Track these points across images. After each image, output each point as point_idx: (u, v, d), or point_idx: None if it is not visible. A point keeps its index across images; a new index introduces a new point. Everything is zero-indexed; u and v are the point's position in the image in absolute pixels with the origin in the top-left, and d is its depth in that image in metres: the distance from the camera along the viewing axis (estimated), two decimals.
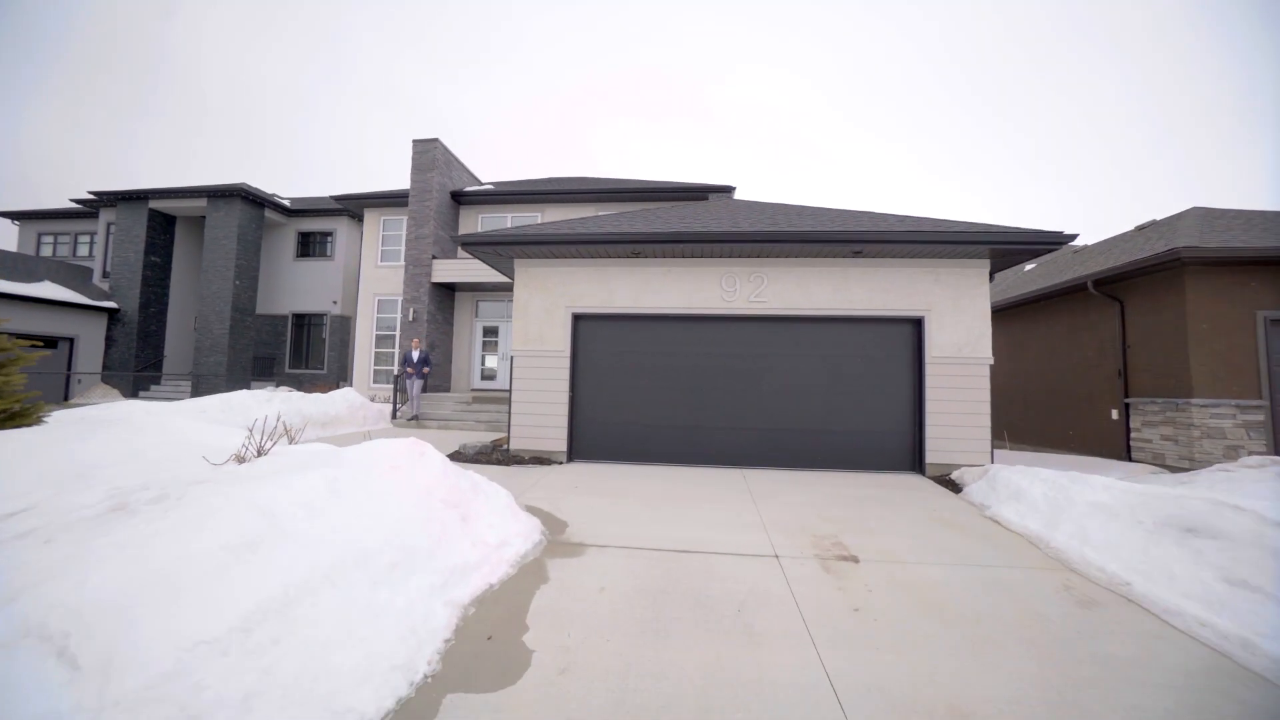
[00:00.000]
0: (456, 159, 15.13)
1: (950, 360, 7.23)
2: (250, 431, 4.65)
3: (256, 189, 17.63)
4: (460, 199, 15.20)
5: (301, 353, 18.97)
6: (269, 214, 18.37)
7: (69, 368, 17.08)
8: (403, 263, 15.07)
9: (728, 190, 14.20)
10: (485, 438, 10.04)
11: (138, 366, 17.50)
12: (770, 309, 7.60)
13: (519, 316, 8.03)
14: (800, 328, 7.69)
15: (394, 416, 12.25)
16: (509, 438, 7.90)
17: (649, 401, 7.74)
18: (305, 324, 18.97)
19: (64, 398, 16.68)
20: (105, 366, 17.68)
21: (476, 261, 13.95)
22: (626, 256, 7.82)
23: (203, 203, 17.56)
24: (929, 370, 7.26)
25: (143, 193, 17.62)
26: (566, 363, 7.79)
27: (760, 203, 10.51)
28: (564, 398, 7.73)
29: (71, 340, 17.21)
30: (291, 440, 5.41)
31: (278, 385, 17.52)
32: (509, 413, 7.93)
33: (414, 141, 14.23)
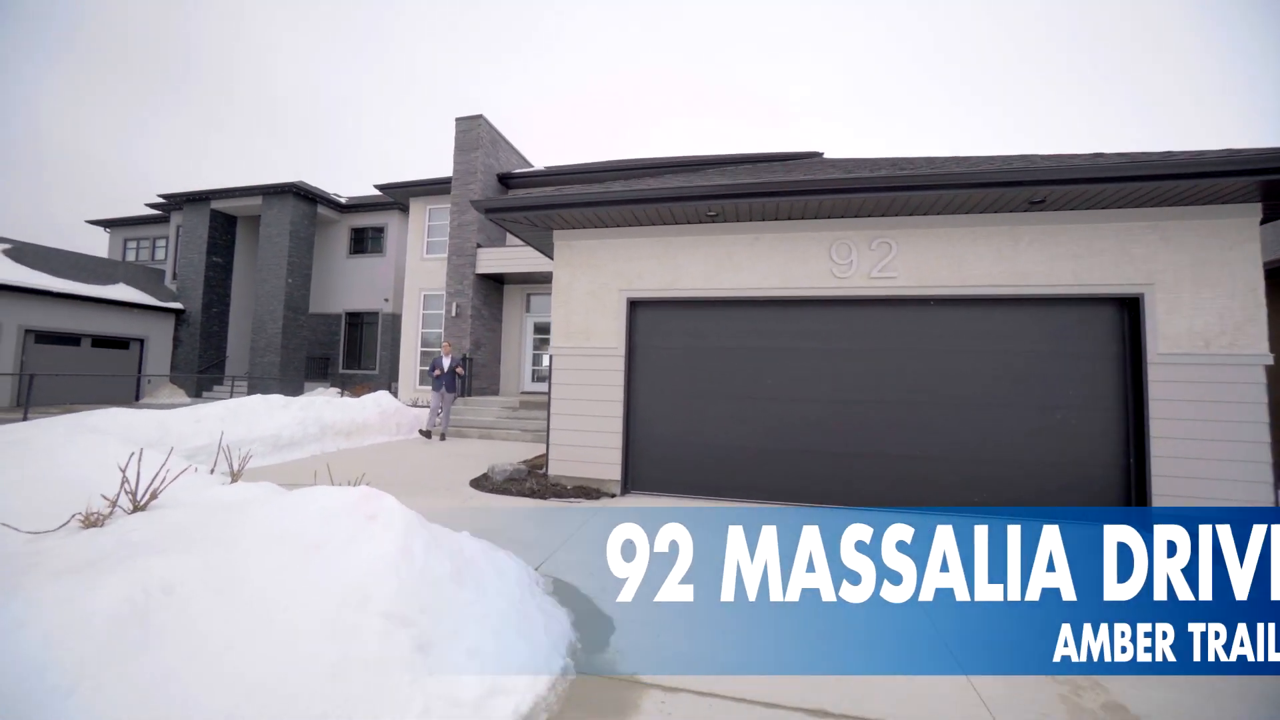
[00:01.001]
0: (503, 138, 13.75)
1: (1193, 358, 4.78)
2: (162, 468, 3.12)
3: (308, 185, 17.13)
4: (508, 182, 13.81)
5: (355, 353, 18.40)
6: (322, 210, 17.88)
7: (140, 368, 17.27)
8: (445, 252, 13.87)
9: (814, 156, 11.91)
10: (528, 451, 8.44)
11: (200, 367, 17.47)
12: (901, 287, 5.43)
13: (559, 304, 6.30)
14: (946, 313, 5.46)
15: (447, 419, 10.96)
16: (547, 459, 6.19)
17: (731, 415, 5.77)
18: (359, 323, 18.38)
19: (135, 397, 16.86)
20: (173, 366, 17.80)
21: (527, 249, 12.48)
22: (699, 221, 5.89)
23: (259, 201, 17.26)
24: (1154, 373, 4.85)
25: (205, 194, 17.56)
26: (620, 363, 5.97)
27: (869, 158, 8.24)
28: (617, 409, 5.92)
29: (142, 341, 17.39)
30: (235, 474, 3.91)
31: (330, 386, 16.96)
32: (547, 427, 6.22)
33: (457, 120, 12.96)
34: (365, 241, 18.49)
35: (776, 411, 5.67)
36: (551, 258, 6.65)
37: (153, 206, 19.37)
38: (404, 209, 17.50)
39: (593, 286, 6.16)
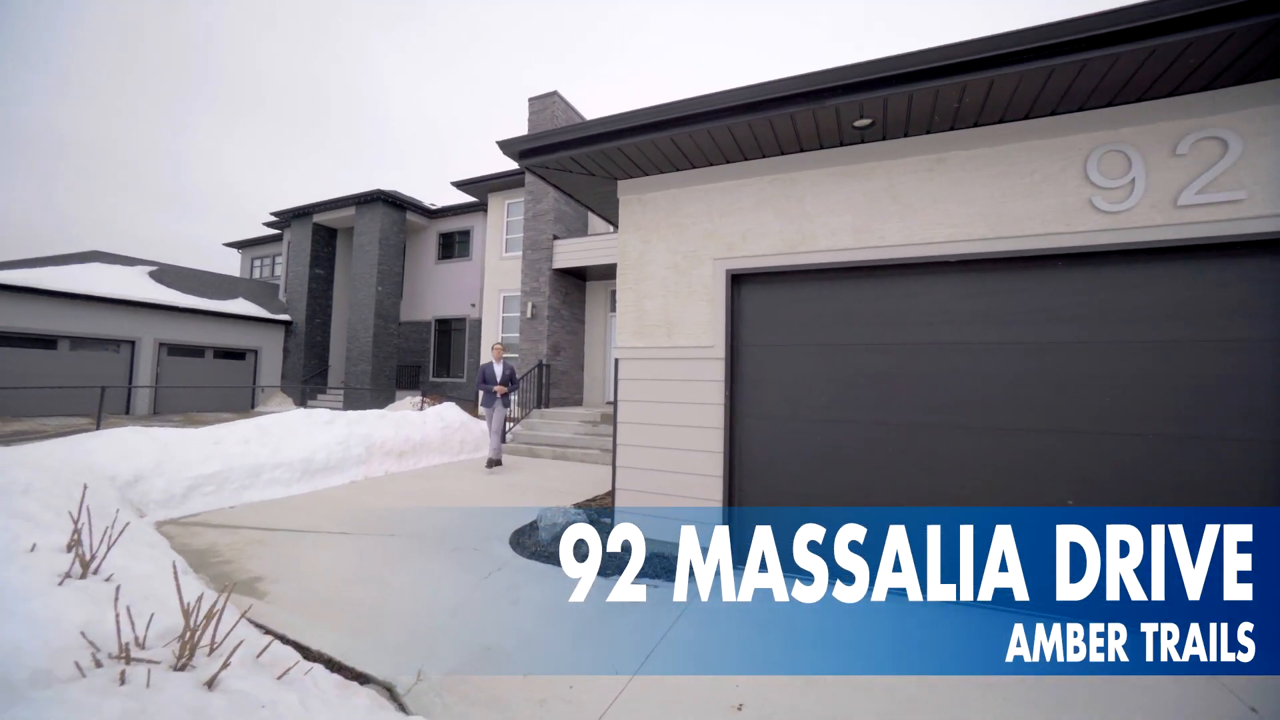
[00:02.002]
0: (578, 114, 12.24)
1: None
2: None
3: (396, 192, 16.93)
4: None
5: (445, 360, 17.98)
6: (411, 217, 17.66)
7: (254, 377, 18.09)
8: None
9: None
10: (603, 479, 6.65)
11: (304, 376, 17.91)
12: (1251, 218, 2.87)
13: (627, 285, 4.41)
14: None
15: (503, 439, 9.59)
16: (612, 509, 4.31)
17: (905, 454, 3.50)
18: (448, 330, 17.93)
19: (251, 405, 17.64)
20: (283, 376, 18.49)
21: (609, 239, 10.84)
22: (840, 143, 3.72)
23: (352, 211, 17.37)
24: None
25: (307, 208, 18.04)
26: (718, 368, 3.95)
27: None
28: (713, 440, 3.90)
29: (256, 352, 18.22)
30: (110, 542, 2.45)
31: (417, 395, 16.57)
32: (613, 462, 4.34)
33: (530, 100, 11.64)
34: (453, 246, 18.04)
35: (997, 447, 3.32)
36: (610, 219, 4.79)
37: (269, 225, 20.47)
38: (486, 209, 16.78)
39: (674, 257, 4.20)
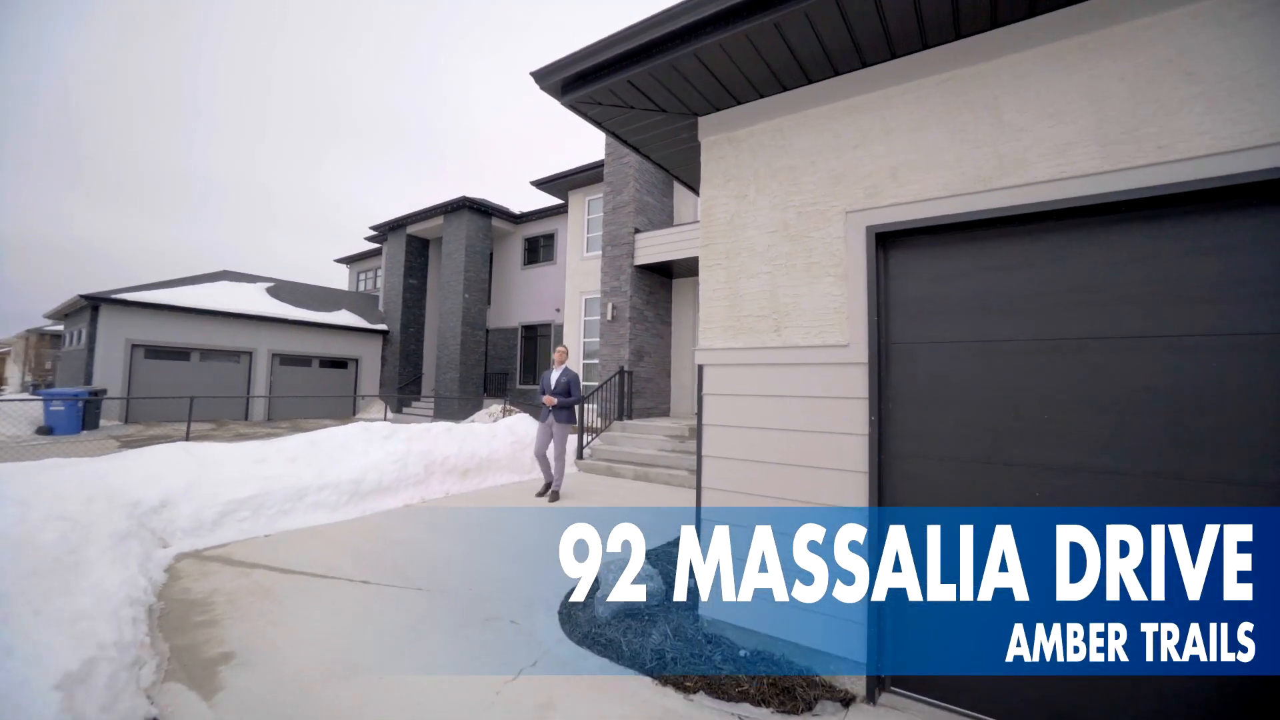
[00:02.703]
0: None
1: None
2: None
3: (481, 199, 16.86)
4: None
5: (531, 367, 17.63)
6: (496, 223, 17.54)
7: (355, 385, 18.88)
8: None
9: None
10: (687, 507, 5.39)
11: (400, 384, 18.38)
12: None
13: (713, 258, 3.14)
14: None
15: (580, 456, 8.65)
16: (696, 588, 3.04)
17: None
18: (533, 336, 17.57)
19: (352, 412, 18.40)
20: (381, 384, 19.15)
21: (696, 229, 9.61)
22: (1049, 6, 2.22)
23: (440, 221, 17.58)
24: None
25: (401, 220, 18.56)
26: (858, 380, 2.57)
27: None
28: (856, 488, 2.52)
29: (356, 361, 19.03)
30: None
31: (502, 402, 16.30)
32: (697, 524, 3.07)
33: None
34: (538, 251, 17.71)
35: None
36: (685, 179, 3.55)
37: (369, 240, 21.47)
38: (568, 209, 16.22)
39: (784, 215, 2.87)
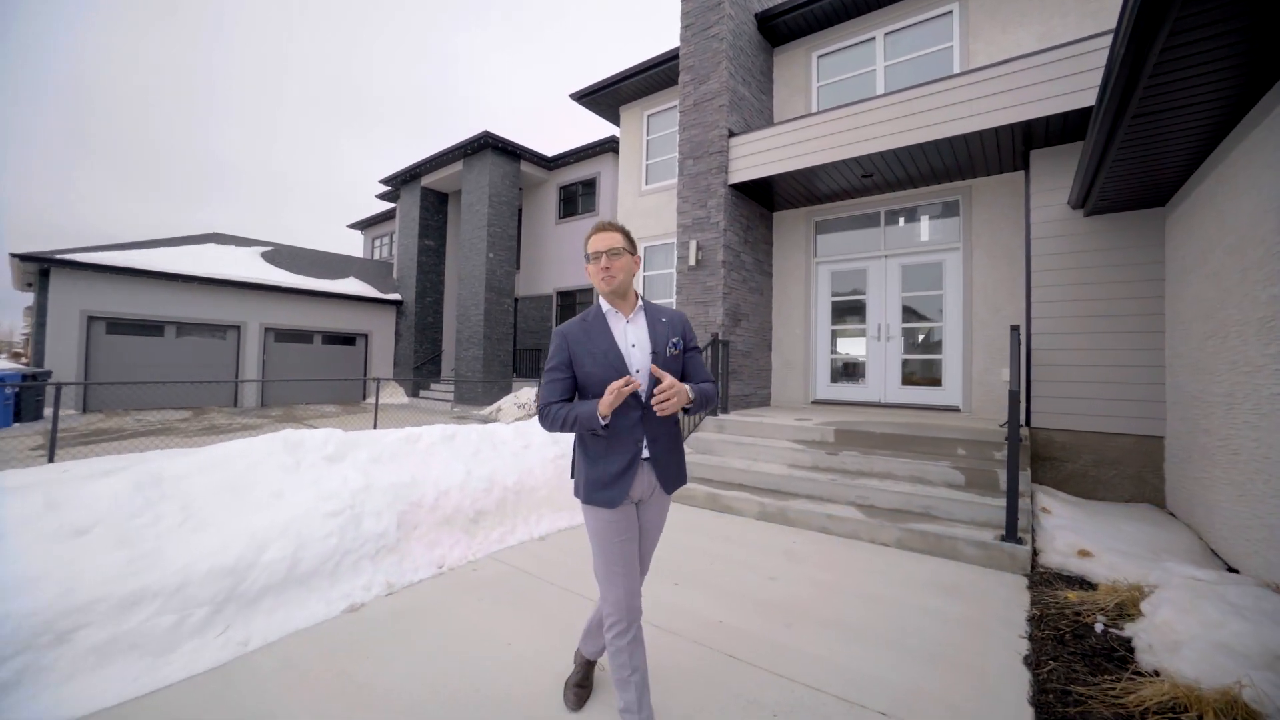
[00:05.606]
0: None
1: None
2: None
3: (506, 138, 13.62)
4: (770, 22, 7.62)
5: None
6: (526, 168, 14.30)
7: (365, 365, 16.09)
8: (675, 178, 8.30)
9: None
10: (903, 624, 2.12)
11: (416, 363, 15.52)
12: None
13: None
14: None
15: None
16: None
17: None
18: (571, 304, 14.40)
19: (362, 398, 15.67)
20: (395, 364, 16.35)
21: (824, 121, 6.21)
22: None
23: (459, 168, 14.45)
24: None
25: (415, 170, 15.50)
26: None
27: None
28: None
29: (366, 336, 16.20)
30: None
31: (538, 390, 13.25)
32: None
33: None
34: (576, 201, 14.42)
35: None
36: None
37: (381, 197, 18.54)
38: (614, 149, 12.86)
39: None
